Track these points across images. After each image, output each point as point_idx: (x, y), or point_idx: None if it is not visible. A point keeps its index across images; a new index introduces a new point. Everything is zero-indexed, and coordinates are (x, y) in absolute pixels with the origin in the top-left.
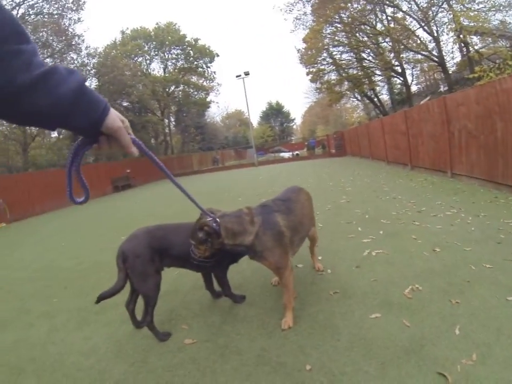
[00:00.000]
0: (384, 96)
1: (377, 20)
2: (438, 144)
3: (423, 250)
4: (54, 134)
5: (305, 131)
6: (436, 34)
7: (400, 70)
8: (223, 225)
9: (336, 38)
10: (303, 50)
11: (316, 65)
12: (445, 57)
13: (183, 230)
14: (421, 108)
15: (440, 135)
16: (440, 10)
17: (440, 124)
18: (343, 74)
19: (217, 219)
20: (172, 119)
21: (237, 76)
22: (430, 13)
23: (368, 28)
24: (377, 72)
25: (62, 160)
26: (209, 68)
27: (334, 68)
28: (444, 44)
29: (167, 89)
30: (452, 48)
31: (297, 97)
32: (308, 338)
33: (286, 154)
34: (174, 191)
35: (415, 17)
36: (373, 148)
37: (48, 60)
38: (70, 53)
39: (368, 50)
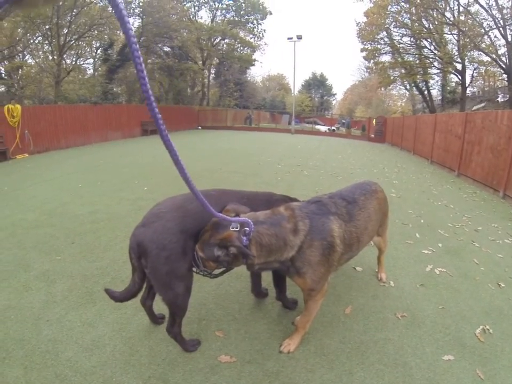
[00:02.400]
0: (434, 92)
1: (447, 8)
2: (497, 160)
3: (487, 281)
4: (90, 70)
5: (344, 109)
6: (510, 39)
7: (460, 68)
8: (257, 241)
9: (400, 18)
10: (363, 24)
11: (373, 42)
12: None
13: (234, 199)
14: (487, 115)
15: (502, 150)
16: None
17: (506, 139)
18: (399, 59)
19: (249, 229)
20: (212, 71)
21: (288, 38)
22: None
23: (436, 15)
24: (435, 64)
25: (93, 97)
26: (260, 25)
27: (390, 49)
28: None
29: (212, 40)
30: None
31: (343, 72)
32: (377, 377)
33: (323, 128)
34: (204, 144)
35: (493, 15)
36: (418, 142)
37: None
38: None
39: (430, 39)
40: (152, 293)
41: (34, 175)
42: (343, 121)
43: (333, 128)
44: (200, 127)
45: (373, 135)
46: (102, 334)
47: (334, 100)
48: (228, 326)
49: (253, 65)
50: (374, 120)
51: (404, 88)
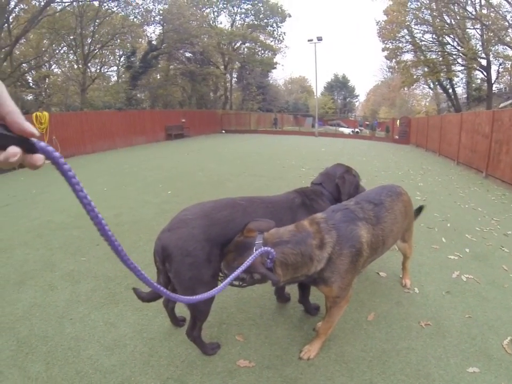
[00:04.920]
0: (459, 90)
1: (468, 2)
2: None
3: None
4: (114, 78)
5: (367, 110)
6: None
7: (485, 64)
8: (282, 262)
9: (421, 15)
10: (383, 23)
11: (394, 41)
12: None
13: (261, 209)
14: None
15: None
16: None
17: None
18: (421, 57)
19: (272, 251)
20: (234, 75)
21: (308, 40)
22: None
23: (457, 9)
24: (459, 61)
25: (118, 103)
26: (279, 27)
27: (412, 48)
28: None
29: (232, 44)
30: None
31: (365, 73)
32: None
33: (346, 130)
34: (228, 148)
35: None
36: (443, 143)
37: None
38: None
39: (453, 35)
40: None
41: (61, 179)
42: (367, 123)
43: (356, 130)
44: (223, 131)
45: (397, 136)
46: (123, 334)
47: (357, 101)
48: (248, 330)
49: (275, 68)
50: (398, 121)
51: (427, 87)
